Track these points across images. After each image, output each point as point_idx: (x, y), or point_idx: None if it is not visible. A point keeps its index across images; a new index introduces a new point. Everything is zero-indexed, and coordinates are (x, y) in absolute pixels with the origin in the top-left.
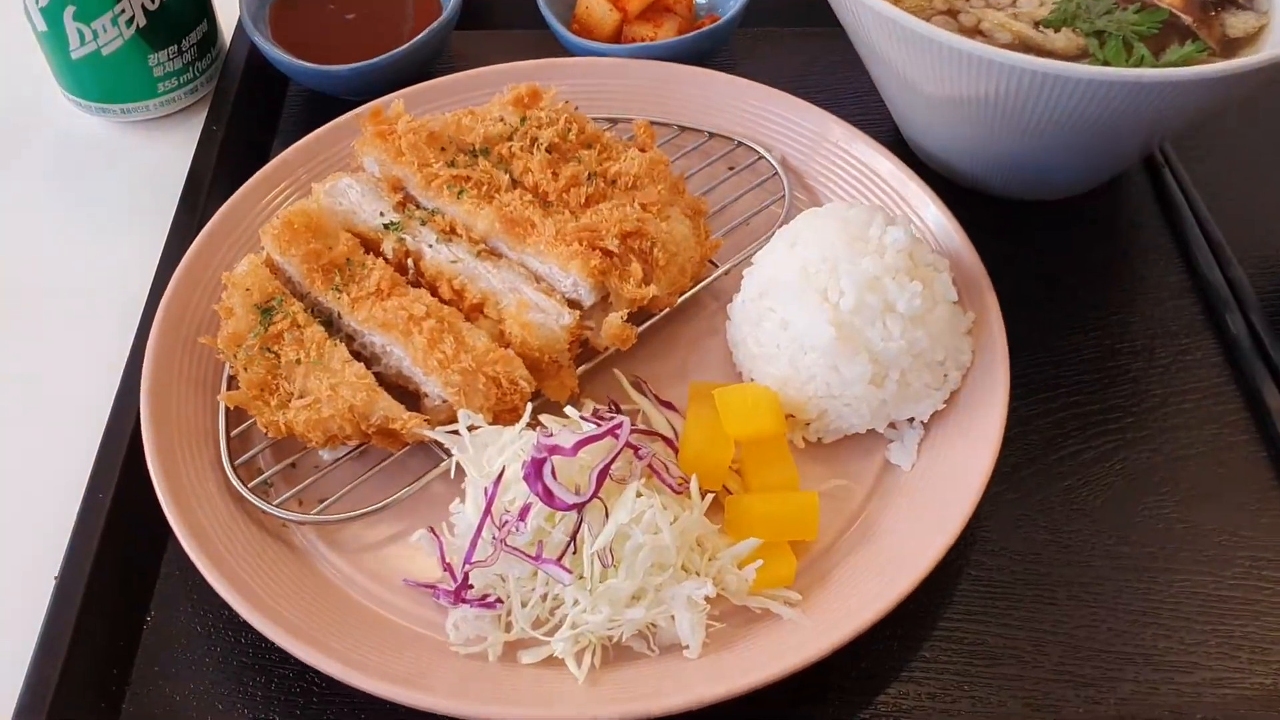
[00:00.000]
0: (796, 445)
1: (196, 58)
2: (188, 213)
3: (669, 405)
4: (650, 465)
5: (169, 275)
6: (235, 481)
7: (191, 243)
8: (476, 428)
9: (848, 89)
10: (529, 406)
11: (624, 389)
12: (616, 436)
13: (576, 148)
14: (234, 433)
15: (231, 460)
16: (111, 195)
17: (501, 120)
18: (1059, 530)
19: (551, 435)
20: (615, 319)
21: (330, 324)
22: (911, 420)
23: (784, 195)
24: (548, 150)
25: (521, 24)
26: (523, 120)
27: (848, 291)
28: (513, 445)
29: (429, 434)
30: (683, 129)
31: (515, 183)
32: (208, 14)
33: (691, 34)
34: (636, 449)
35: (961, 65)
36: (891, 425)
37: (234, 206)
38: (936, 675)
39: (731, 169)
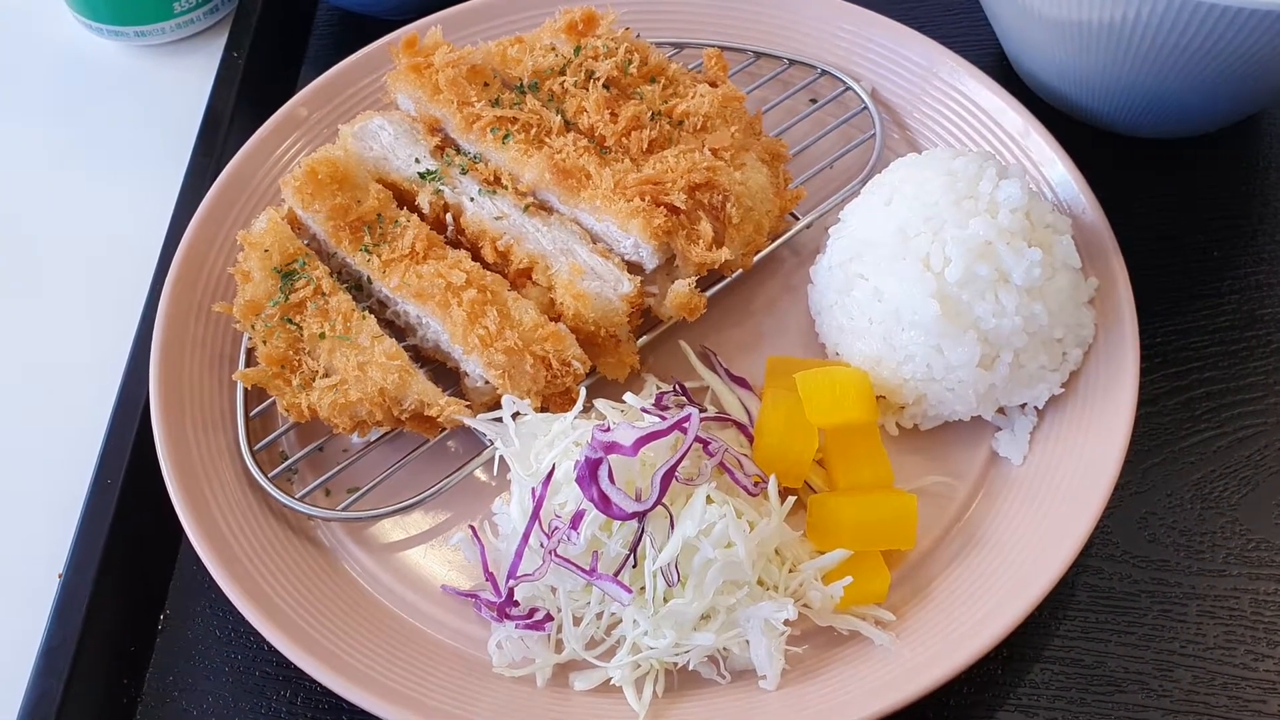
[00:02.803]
0: (888, 432)
1: None
2: (205, 154)
3: (742, 381)
4: (722, 463)
5: (183, 228)
6: (254, 470)
7: (208, 191)
8: (523, 415)
9: (945, 4)
10: (582, 390)
11: (690, 362)
12: (684, 432)
13: (638, 82)
14: (254, 412)
15: (251, 445)
16: (123, 130)
17: (553, 50)
18: (1189, 532)
19: (609, 430)
20: (682, 286)
21: (359, 288)
22: (1024, 406)
23: (875, 134)
24: (605, 86)
25: None
26: (577, 50)
27: (954, 259)
28: (565, 439)
29: (469, 422)
30: (758, 55)
31: (568, 124)
32: None
33: None
34: (706, 443)
35: None
36: (1000, 411)
37: (252, 152)
38: (1048, 704)
39: (814, 101)
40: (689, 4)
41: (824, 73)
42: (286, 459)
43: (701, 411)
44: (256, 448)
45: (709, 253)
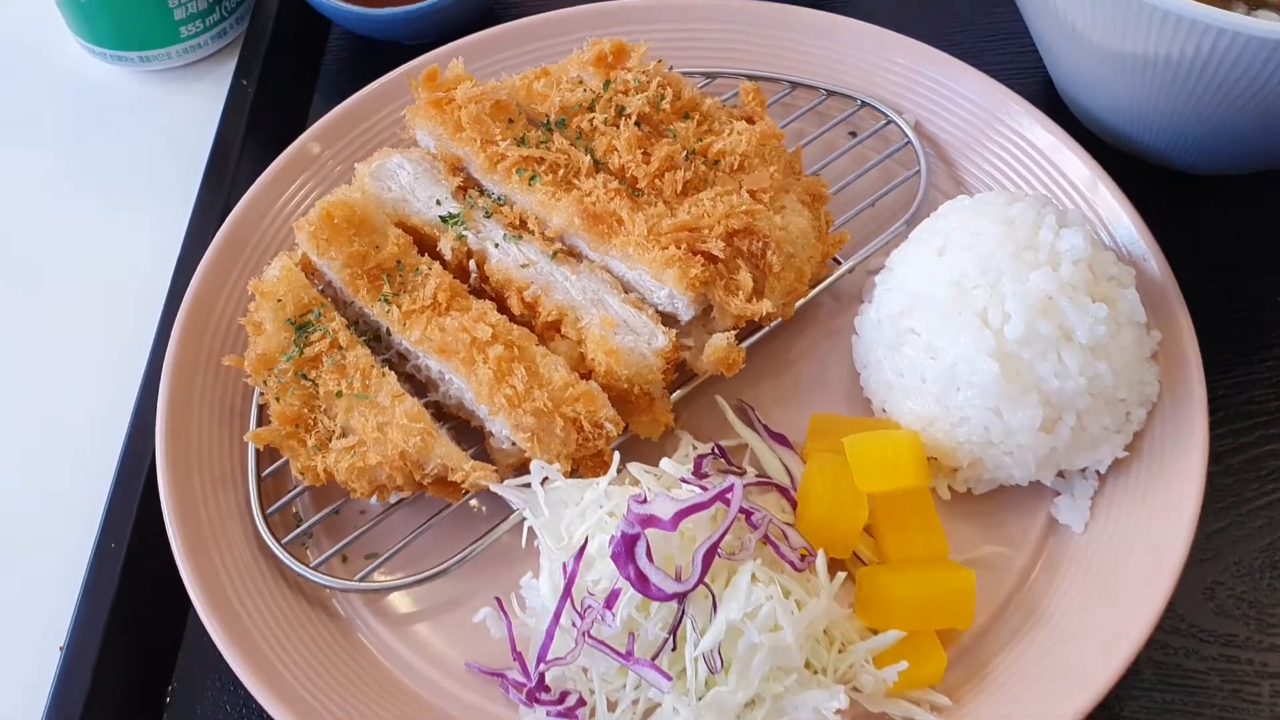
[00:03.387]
0: (940, 496)
1: None
2: (213, 188)
3: (782, 439)
4: (767, 536)
5: (191, 269)
6: (266, 536)
7: (218, 229)
8: (552, 482)
9: (988, 29)
10: (616, 455)
11: (727, 419)
12: (727, 504)
13: (670, 118)
14: (266, 471)
15: (263, 507)
16: (127, 161)
17: (580, 84)
18: (1260, 604)
19: (645, 501)
20: (720, 340)
21: (378, 338)
22: (1084, 470)
23: (919, 171)
24: (637, 123)
25: None
26: (606, 84)
27: (1014, 315)
28: (598, 509)
29: (496, 488)
30: (794, 85)
31: (598, 165)
32: None
33: None
34: (749, 514)
35: (1164, 25)
36: (1059, 474)
37: (262, 191)
38: None
39: (853, 135)
40: (721, 32)
41: (864, 104)
42: (301, 522)
43: (741, 474)
44: (269, 511)
45: (749, 304)
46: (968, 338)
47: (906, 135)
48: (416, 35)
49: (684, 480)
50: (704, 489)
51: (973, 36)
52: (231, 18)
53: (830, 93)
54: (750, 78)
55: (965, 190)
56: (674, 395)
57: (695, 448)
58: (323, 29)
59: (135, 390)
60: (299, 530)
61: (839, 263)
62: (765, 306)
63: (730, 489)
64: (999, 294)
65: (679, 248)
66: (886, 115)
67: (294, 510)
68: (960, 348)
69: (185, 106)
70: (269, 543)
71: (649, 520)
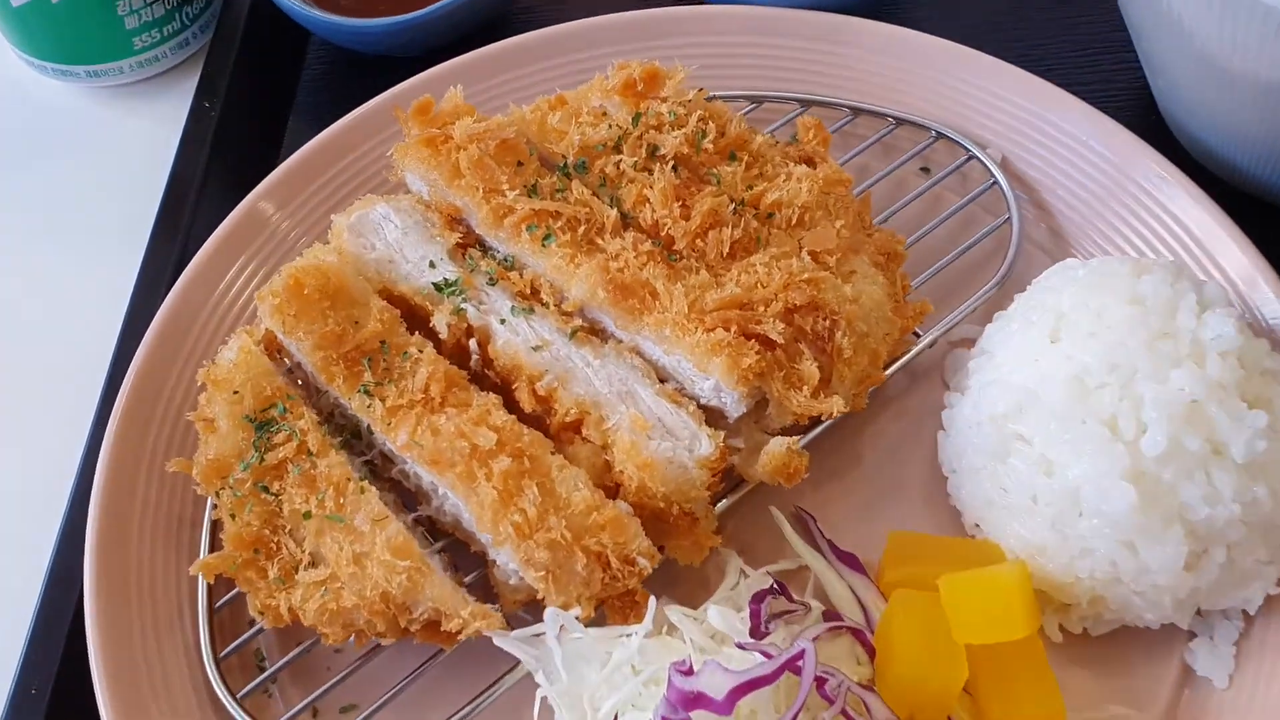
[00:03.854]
0: (1049, 638)
1: (184, 0)
2: (167, 233)
3: (851, 560)
4: (845, 711)
5: (138, 337)
6: (219, 687)
7: (173, 282)
8: (571, 632)
9: (1074, 41)
10: (652, 600)
11: (783, 533)
12: (797, 673)
13: (714, 160)
14: (221, 601)
15: (215, 649)
16: (71, 195)
17: (604, 116)
18: None
19: (691, 672)
20: (779, 447)
21: (358, 434)
22: (1225, 610)
23: (1009, 219)
24: (673, 167)
25: None
26: (636, 118)
27: (1153, 426)
28: (630, 678)
29: (502, 641)
30: (856, 111)
31: (626, 220)
32: None
33: None
34: (822, 681)
35: None
36: (1197, 613)
37: (218, 248)
38: None
39: (926, 171)
40: (768, 48)
41: (940, 136)
42: (263, 668)
43: (805, 610)
44: (224, 653)
45: (814, 402)
46: (1094, 453)
47: (992, 174)
48: (409, 49)
49: (742, 646)
50: (766, 654)
51: (1058, 50)
52: (194, 26)
53: (899, 121)
54: (804, 102)
55: (1065, 243)
56: (719, 506)
57: (745, 574)
58: (300, 40)
59: (65, 496)
60: (260, 679)
61: (918, 335)
62: (835, 405)
63: (800, 655)
64: (1132, 397)
65: (727, 329)
66: (967, 149)
67: (256, 649)
68: (1085, 465)
69: (140, 131)
70: (222, 696)
71: (697, 700)
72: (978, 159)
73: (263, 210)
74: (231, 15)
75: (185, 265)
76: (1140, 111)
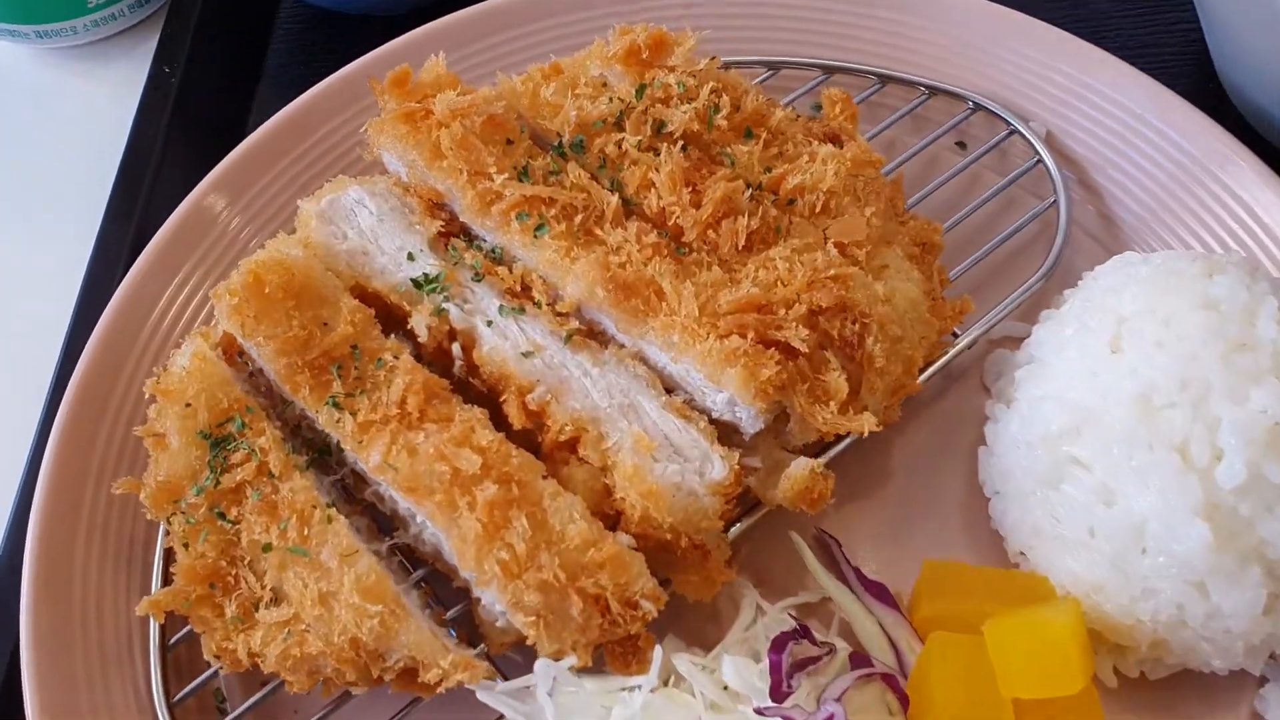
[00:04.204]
0: (1104, 683)
1: None
2: (123, 210)
3: (881, 592)
4: None
5: (88, 329)
6: None
7: (128, 267)
8: (565, 685)
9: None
10: (658, 650)
11: (803, 559)
12: None
13: (728, 138)
14: (175, 638)
15: (169, 692)
16: (20, 168)
17: (605, 88)
18: None
19: None
20: (802, 470)
21: (327, 449)
22: None
23: (1056, 202)
24: (682, 146)
25: None
26: (640, 90)
27: (1231, 453)
28: None
29: (486, 697)
30: (885, 79)
31: (629, 207)
32: None
33: None
34: None
35: None
36: (1270, 657)
37: (171, 239)
38: None
39: (962, 146)
40: (788, 8)
41: (978, 107)
42: (224, 710)
43: (823, 647)
44: (177, 698)
45: (843, 419)
46: (1162, 483)
47: (1036, 151)
48: (392, 7)
49: (762, 713)
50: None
51: (1106, 9)
52: None
53: (933, 90)
54: (827, 69)
55: (1117, 229)
56: (732, 531)
57: (762, 610)
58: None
59: (3, 520)
60: None
61: (955, 335)
62: (867, 423)
63: None
64: (1206, 419)
65: (743, 336)
66: (1009, 123)
67: (215, 688)
68: (1151, 497)
69: (94, 97)
70: None
71: None
72: (1020, 134)
73: (219, 196)
74: None
75: (142, 249)
76: (1197, 78)
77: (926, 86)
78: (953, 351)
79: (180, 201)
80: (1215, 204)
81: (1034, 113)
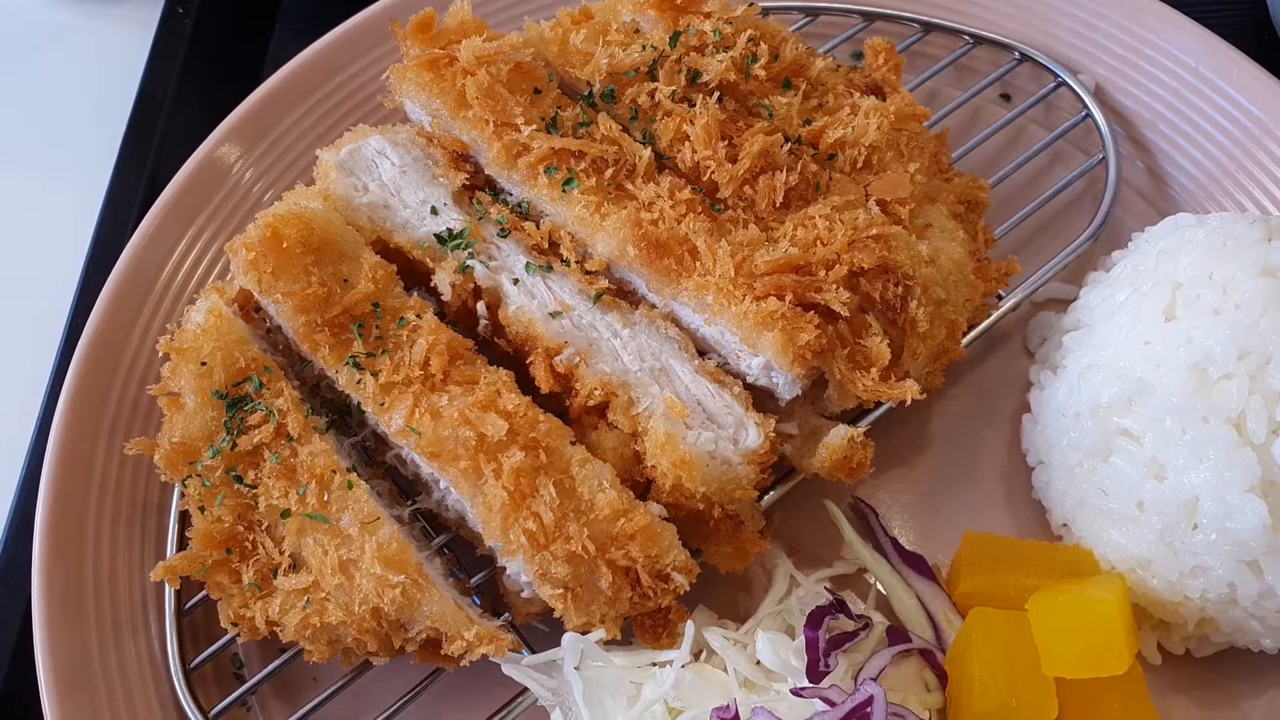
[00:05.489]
0: (1148, 661)
1: None
2: (134, 158)
3: (919, 563)
4: None
5: (99, 285)
6: (188, 703)
7: (140, 218)
8: (593, 658)
9: None
10: (689, 626)
11: (840, 530)
12: (864, 718)
13: (766, 89)
14: (190, 603)
15: (184, 659)
16: (31, 111)
17: (637, 33)
18: None
19: (737, 717)
20: (840, 438)
21: (348, 410)
22: None
23: (1105, 158)
24: (717, 97)
25: None
26: (674, 38)
27: None
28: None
29: (511, 670)
30: (928, 28)
31: (661, 160)
32: None
33: None
34: None
35: None
36: None
37: (185, 190)
38: None
39: (1007, 98)
40: None
41: (1024, 58)
42: (241, 677)
43: (859, 620)
44: (194, 664)
45: (884, 386)
46: (1217, 457)
47: (1085, 105)
48: None
49: (798, 692)
50: (828, 701)
51: None
52: None
53: (977, 39)
54: (867, 16)
55: (1167, 188)
56: (766, 499)
57: (795, 581)
58: None
59: (14, 480)
60: (236, 694)
61: (1000, 298)
62: (910, 390)
63: (869, 702)
64: (1265, 391)
65: (781, 298)
66: (1056, 74)
67: (233, 654)
68: (1205, 472)
69: (107, 39)
70: (190, 715)
71: None
72: (1068, 86)
73: (234, 145)
74: None
75: (154, 199)
76: (1254, 30)
77: (971, 36)
78: (997, 314)
79: (194, 150)
80: (1274, 164)
81: (1083, 64)
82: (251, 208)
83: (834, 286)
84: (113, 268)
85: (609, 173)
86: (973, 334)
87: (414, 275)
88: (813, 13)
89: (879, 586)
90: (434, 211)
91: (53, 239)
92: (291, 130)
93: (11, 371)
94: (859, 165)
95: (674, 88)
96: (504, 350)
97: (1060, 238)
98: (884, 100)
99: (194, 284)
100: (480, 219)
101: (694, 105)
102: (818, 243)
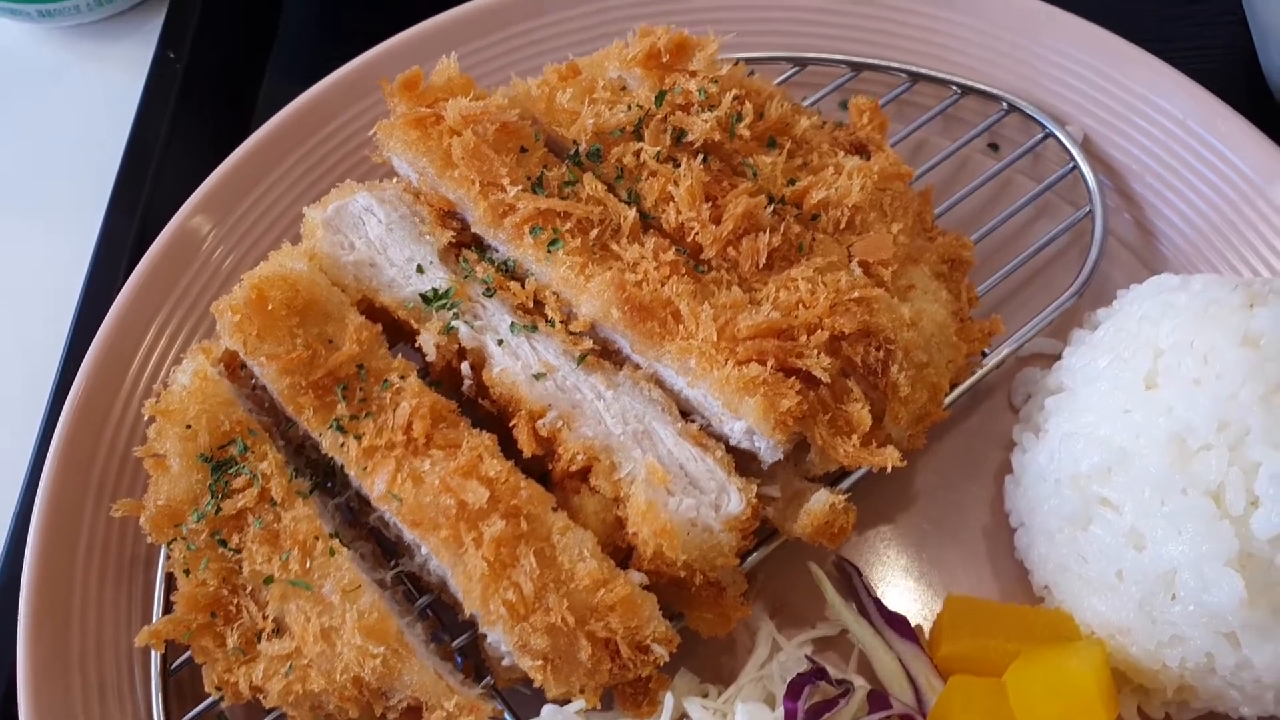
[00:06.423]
0: None
1: None
2: (125, 204)
3: (901, 624)
4: None
5: (91, 332)
6: None
7: (133, 265)
8: None
9: None
10: (668, 699)
11: (822, 590)
12: None
13: (751, 147)
14: (176, 663)
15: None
16: (21, 152)
17: (624, 91)
18: None
19: None
20: (822, 504)
21: (331, 472)
22: None
23: (1092, 210)
24: (702, 156)
25: None
26: (660, 97)
27: (1270, 502)
28: None
29: None
30: (916, 78)
31: (646, 220)
32: None
33: None
34: None
35: None
36: None
37: (170, 248)
38: None
39: (995, 147)
40: (812, 4)
41: (1011, 109)
42: None
43: (840, 685)
44: None
45: (864, 453)
46: (1195, 530)
47: (1072, 157)
48: None
49: None
50: None
51: (1146, 5)
52: None
53: (965, 89)
54: (855, 66)
55: (1153, 240)
56: (748, 561)
57: (777, 645)
58: None
59: (1, 541)
60: None
61: (983, 354)
62: (891, 457)
63: None
64: (1244, 464)
65: (763, 363)
66: (1044, 125)
67: (218, 713)
68: (1183, 545)
69: (99, 78)
70: None
71: None
72: (1055, 138)
73: (219, 201)
74: None
75: (145, 246)
76: (1244, 83)
77: (958, 86)
78: (979, 373)
79: (185, 195)
80: (1262, 222)
81: (1071, 115)
82: (237, 264)
83: (816, 352)
84: (103, 317)
85: (594, 233)
86: (955, 393)
87: (399, 330)
88: (801, 62)
89: (861, 647)
90: (420, 269)
91: (44, 284)
92: (279, 184)
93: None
94: (842, 226)
95: (659, 148)
96: (487, 411)
97: (1046, 290)
98: (868, 159)
99: (180, 342)
100: (466, 276)
101: (679, 165)
102: (800, 305)
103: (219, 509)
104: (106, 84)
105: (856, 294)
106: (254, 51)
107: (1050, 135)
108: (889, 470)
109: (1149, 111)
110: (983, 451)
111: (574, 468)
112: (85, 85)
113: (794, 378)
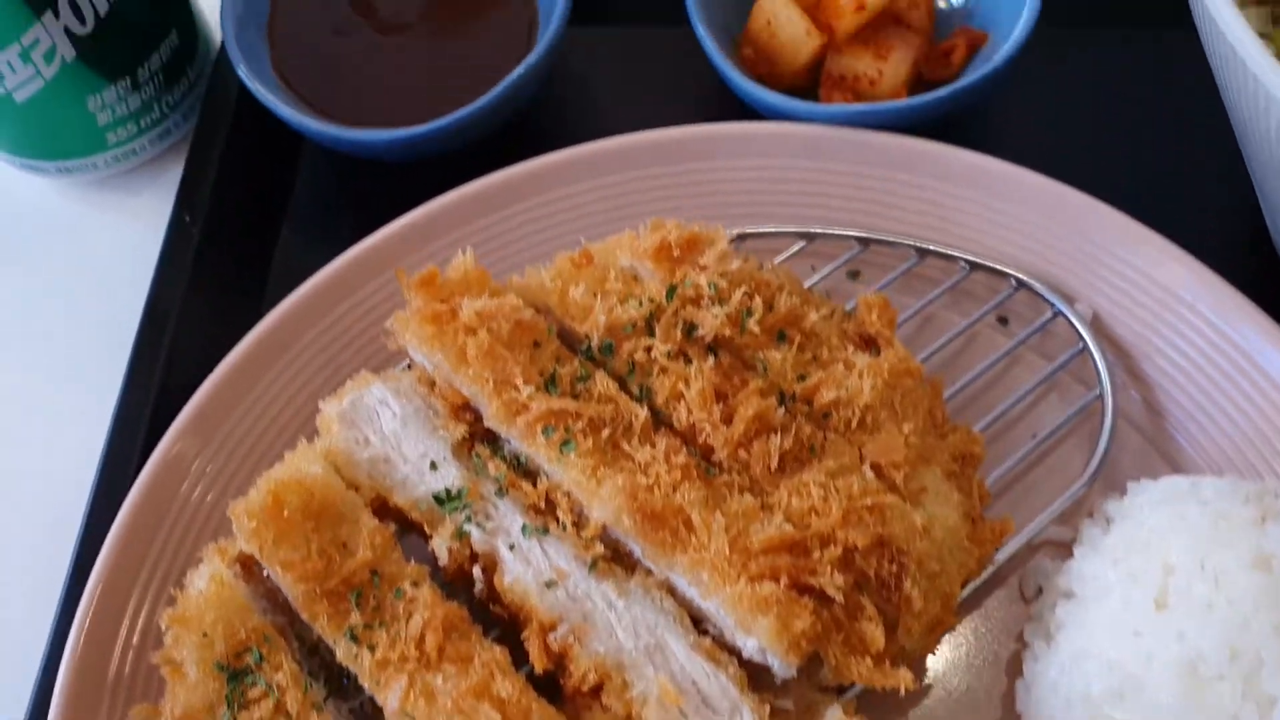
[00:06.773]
0: None
1: (162, 89)
2: (143, 369)
3: None
4: None
5: (103, 531)
6: None
7: (153, 437)
8: None
9: (1182, 156)
10: None
11: None
12: None
13: (761, 342)
14: None
15: None
16: (41, 303)
17: (636, 282)
18: None
19: None
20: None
21: (346, 674)
22: None
23: (1100, 395)
24: (714, 352)
25: (657, 18)
26: (670, 291)
27: None
28: None
29: None
30: (923, 253)
31: (657, 417)
32: (177, 19)
33: (951, 89)
34: None
35: None
36: None
37: (184, 432)
38: None
39: (1004, 321)
40: (822, 174)
41: (1021, 285)
42: None
43: None
44: None
45: (878, 673)
46: None
47: (1082, 338)
48: (407, 155)
49: None
50: None
51: (1142, 180)
52: (174, 114)
53: (973, 265)
54: (863, 241)
55: (1163, 423)
56: None
57: None
58: (291, 145)
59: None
60: None
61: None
62: (904, 679)
63: None
64: (1258, 697)
65: (776, 580)
66: (1053, 304)
67: None
68: None
69: (117, 227)
70: None
71: None
72: (1064, 315)
73: (232, 390)
74: (216, 103)
75: (162, 420)
76: (1256, 260)
77: (967, 262)
78: (989, 570)
79: (203, 362)
80: (1277, 414)
81: (1080, 292)
82: (253, 454)
83: (829, 569)
84: (121, 500)
85: (606, 433)
86: (966, 591)
87: (412, 524)
88: (808, 236)
89: None
90: (433, 466)
91: (62, 445)
92: (289, 366)
93: (15, 613)
94: (853, 425)
95: (670, 346)
96: (498, 616)
97: (1054, 473)
98: (878, 353)
99: (192, 537)
100: (479, 472)
101: (690, 361)
102: (812, 512)
103: (235, 716)
104: (124, 231)
105: (869, 501)
106: (269, 212)
107: (1059, 314)
108: (902, 693)
109: (1157, 292)
110: (994, 640)
111: (583, 684)
112: (104, 233)
113: (807, 596)
